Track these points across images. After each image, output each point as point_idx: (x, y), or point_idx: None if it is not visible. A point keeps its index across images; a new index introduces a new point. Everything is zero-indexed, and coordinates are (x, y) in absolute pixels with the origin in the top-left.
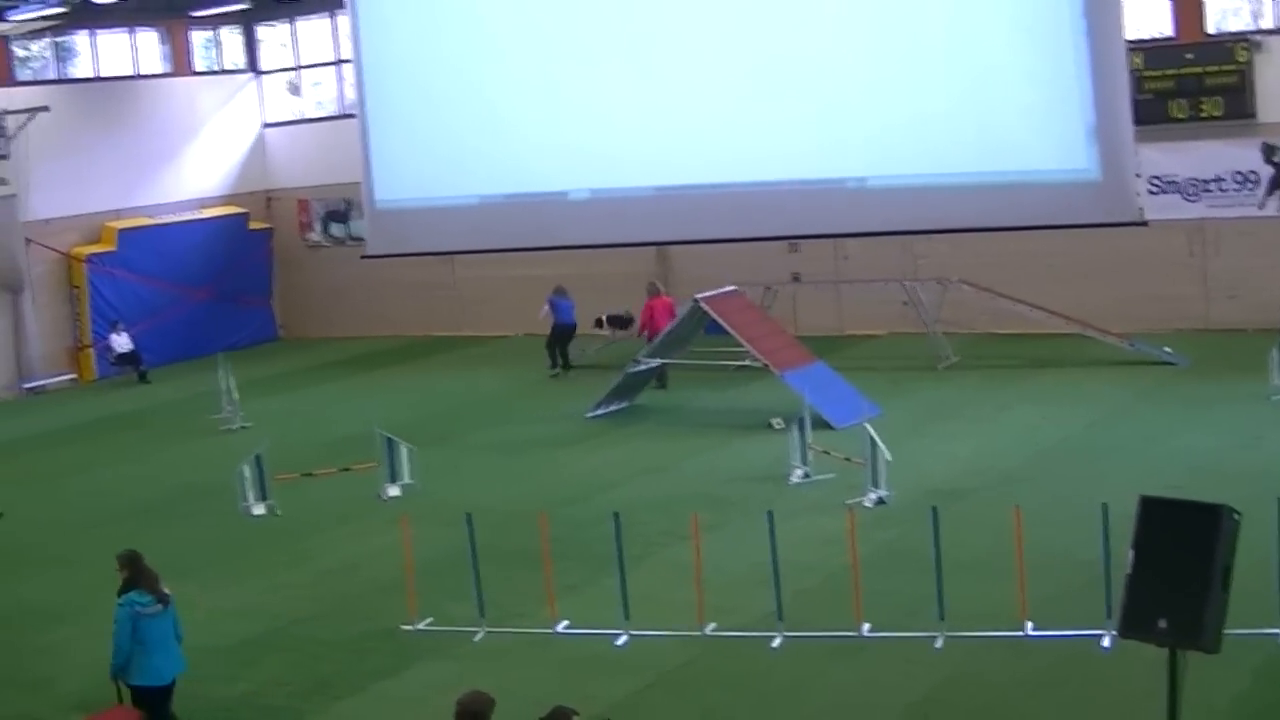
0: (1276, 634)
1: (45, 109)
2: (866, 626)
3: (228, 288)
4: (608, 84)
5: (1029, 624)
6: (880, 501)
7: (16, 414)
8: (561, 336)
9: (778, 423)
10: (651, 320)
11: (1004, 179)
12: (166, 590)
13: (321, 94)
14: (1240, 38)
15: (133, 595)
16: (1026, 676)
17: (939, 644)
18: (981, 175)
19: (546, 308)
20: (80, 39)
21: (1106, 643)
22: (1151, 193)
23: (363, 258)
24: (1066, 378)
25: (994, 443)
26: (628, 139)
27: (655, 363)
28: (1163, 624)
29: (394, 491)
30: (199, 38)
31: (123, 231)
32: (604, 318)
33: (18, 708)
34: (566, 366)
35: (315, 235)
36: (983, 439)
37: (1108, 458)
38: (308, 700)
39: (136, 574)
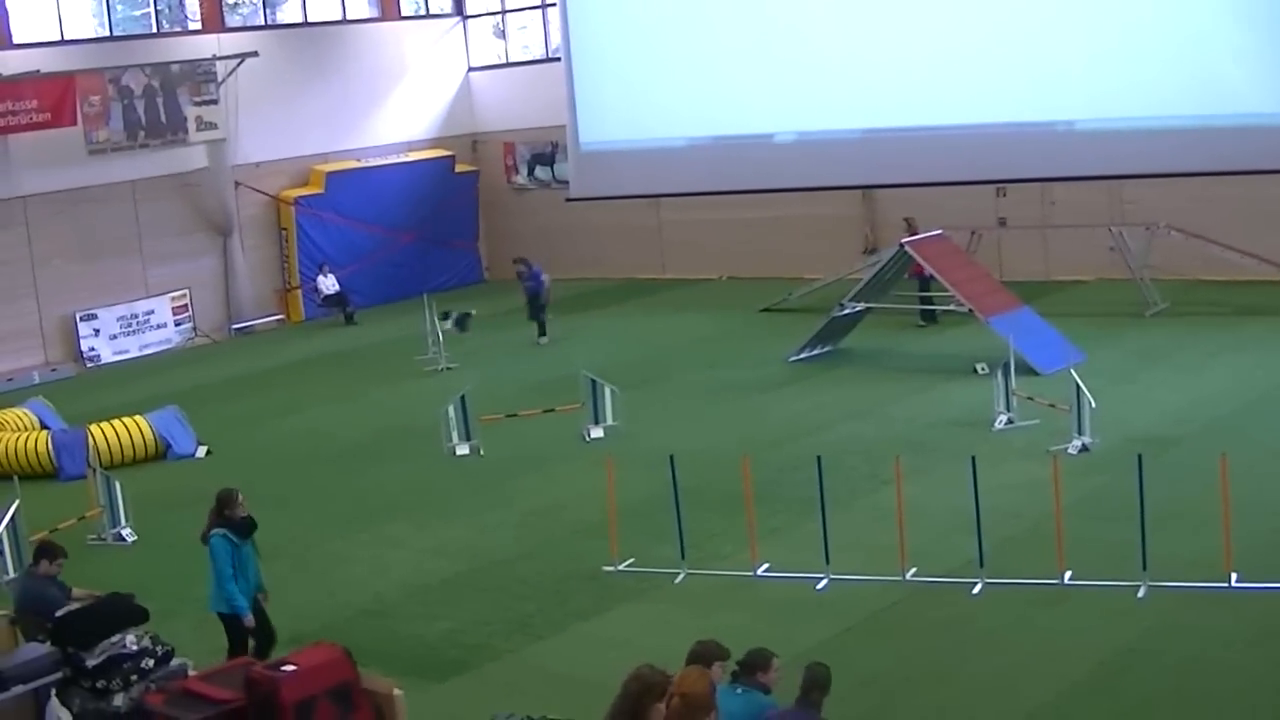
0: None
1: (254, 54)
2: (1068, 575)
3: (434, 230)
4: (815, 26)
5: (1234, 575)
6: (1084, 449)
7: (226, 354)
8: (536, 305)
9: (982, 368)
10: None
11: (1215, 123)
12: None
13: (527, 37)
14: None
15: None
16: (1231, 628)
17: (1142, 594)
18: (1192, 119)
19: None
20: None
21: None
22: None
23: (567, 200)
24: (1277, 326)
25: (1201, 391)
26: (835, 81)
27: (860, 306)
28: None
29: (597, 433)
30: None
31: (330, 175)
32: (450, 314)
33: (226, 641)
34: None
35: (520, 178)
36: (1190, 387)
37: None
38: (508, 639)
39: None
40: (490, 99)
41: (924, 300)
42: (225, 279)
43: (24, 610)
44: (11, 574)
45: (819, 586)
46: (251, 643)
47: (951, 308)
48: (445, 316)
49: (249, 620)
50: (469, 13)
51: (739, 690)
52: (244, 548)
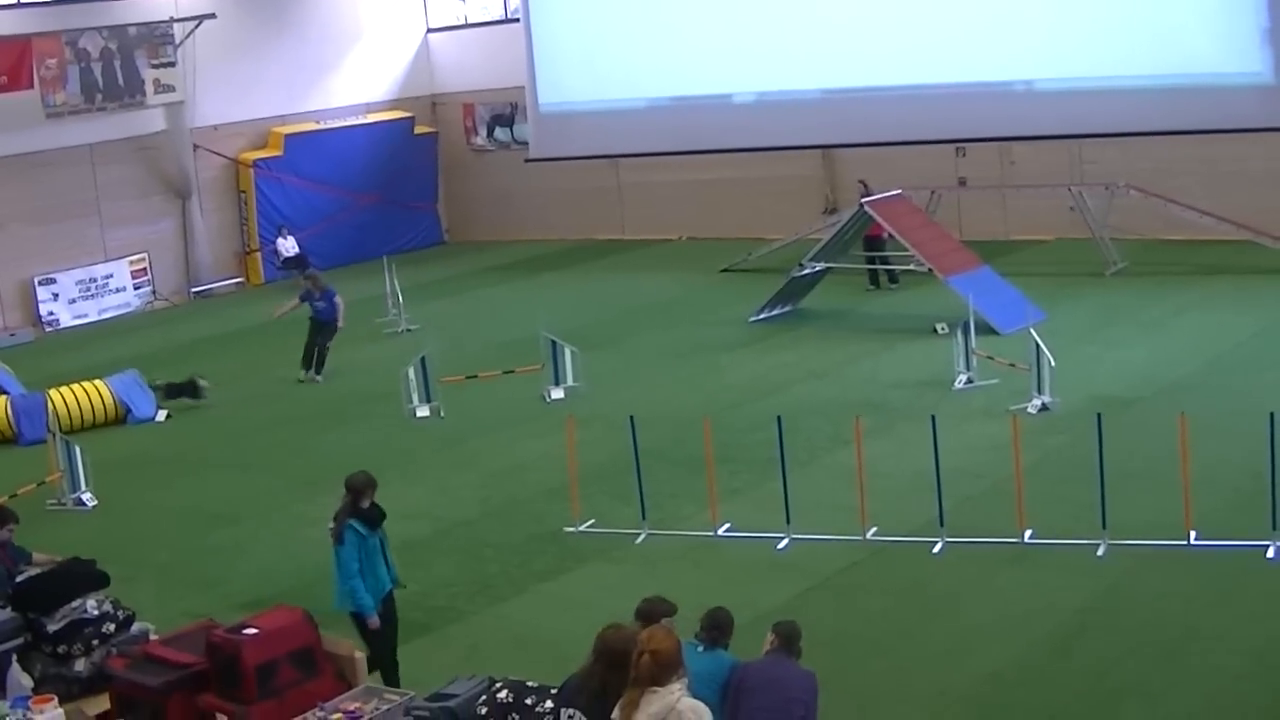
0: None
1: (212, 16)
2: (1029, 533)
3: (394, 192)
4: None
5: (1193, 534)
6: (1044, 408)
7: (186, 318)
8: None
9: (942, 328)
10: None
11: (1175, 82)
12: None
13: None
14: None
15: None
16: (1189, 587)
17: (1101, 552)
18: (1152, 79)
19: (295, 302)
20: None
21: (1271, 554)
22: None
23: (527, 161)
24: (1236, 285)
25: (1162, 351)
26: (794, 41)
27: (819, 266)
28: None
29: (558, 394)
30: None
31: (289, 136)
32: (164, 385)
33: (188, 604)
34: (319, 369)
35: (480, 139)
36: (1150, 347)
37: (1278, 367)
38: (471, 601)
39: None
40: (449, 60)
41: (871, 262)
42: (184, 242)
43: None
44: None
45: (780, 546)
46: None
47: (911, 267)
48: (166, 391)
49: (373, 622)
50: None
51: (700, 649)
52: (371, 540)
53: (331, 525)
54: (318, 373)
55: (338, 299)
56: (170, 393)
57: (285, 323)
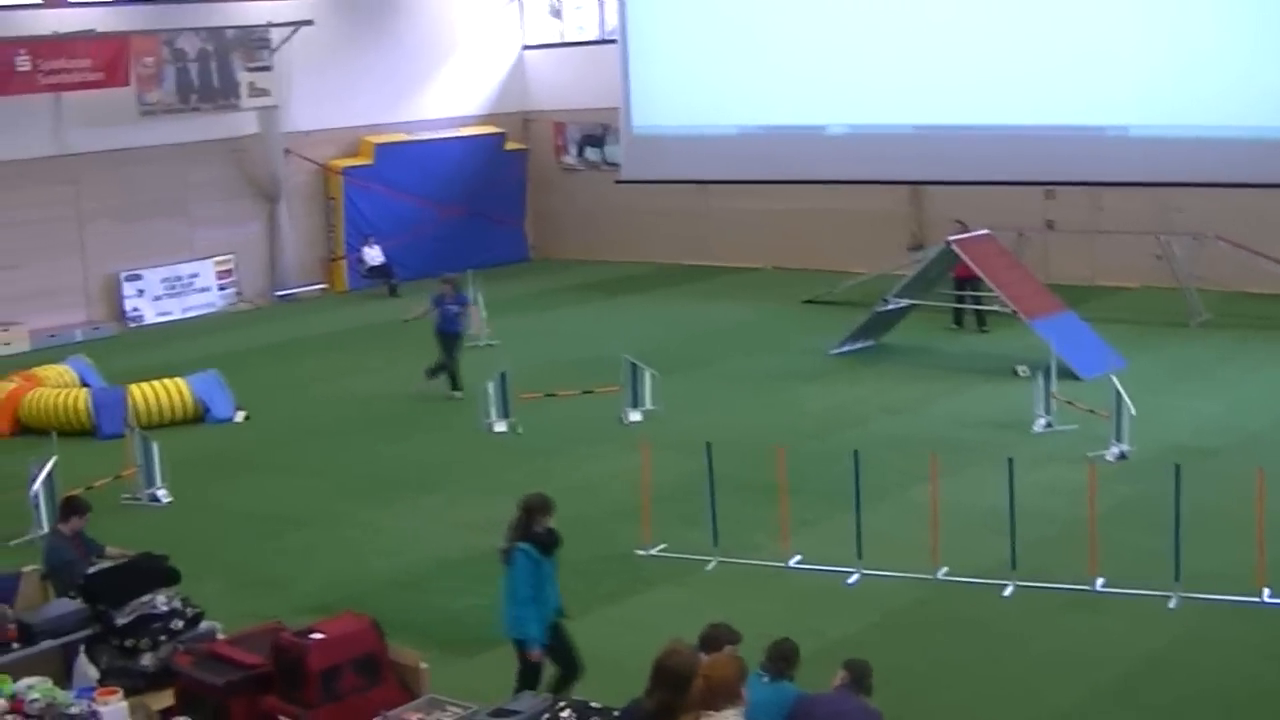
0: None
1: (309, 23)
2: (1100, 581)
3: (481, 207)
4: (873, 20)
5: (1267, 590)
6: (1122, 456)
7: (268, 320)
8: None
9: (1023, 370)
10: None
11: (1269, 134)
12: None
13: (583, 18)
14: None
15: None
16: (1260, 642)
17: (1173, 603)
18: (1246, 129)
19: (428, 306)
20: None
21: None
22: None
23: (617, 182)
24: None
25: (1242, 403)
26: (889, 76)
27: (903, 302)
28: None
29: (635, 417)
30: None
31: (380, 146)
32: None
33: (255, 605)
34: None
35: (570, 158)
36: (1231, 399)
37: None
38: None
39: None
40: (543, 78)
41: (960, 300)
42: (271, 245)
43: (50, 568)
44: (45, 530)
45: (850, 580)
46: (553, 669)
47: (995, 308)
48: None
49: (536, 654)
50: None
51: (765, 679)
52: (545, 565)
53: (502, 546)
54: (455, 388)
55: (472, 305)
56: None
57: (368, 330)
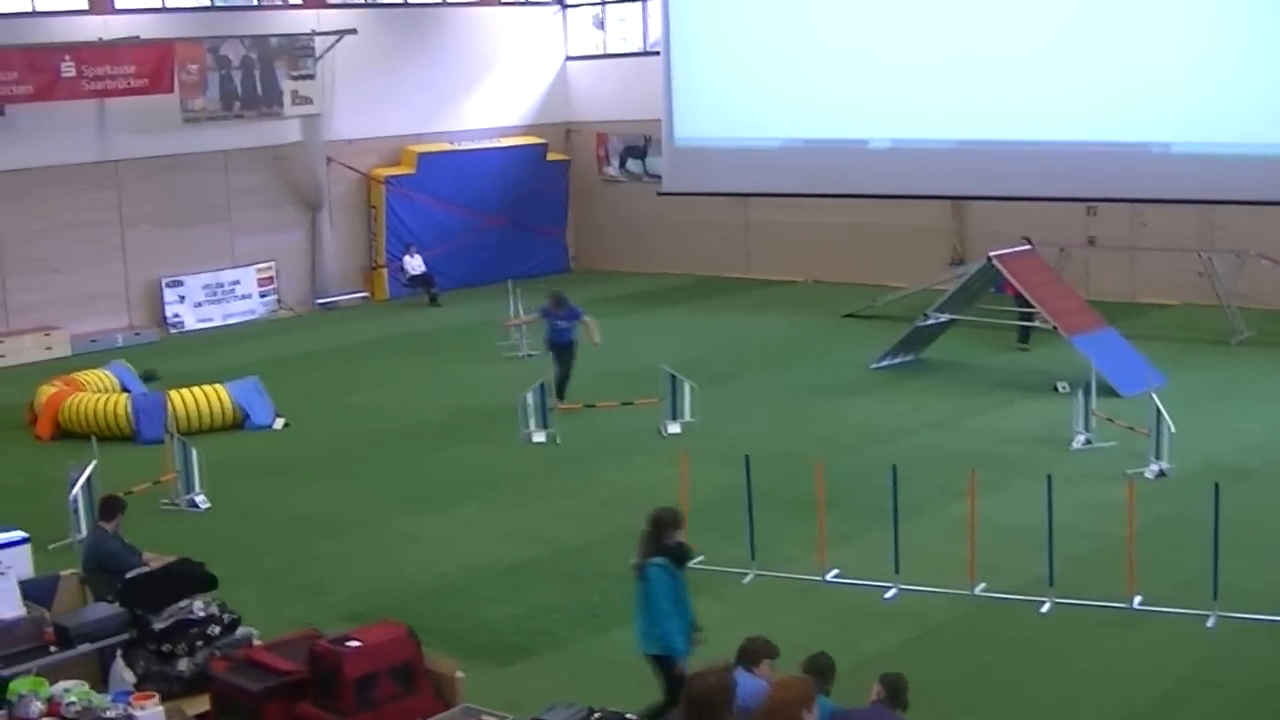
0: None
1: (353, 32)
2: (1138, 599)
3: (522, 217)
4: (916, 34)
5: None
6: (1161, 474)
7: (309, 328)
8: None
9: (1063, 386)
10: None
11: None
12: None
13: (626, 30)
14: None
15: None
16: None
17: (1211, 623)
18: None
19: (535, 315)
20: None
21: None
22: None
23: (659, 194)
24: None
25: None
26: (932, 90)
27: (944, 317)
28: None
29: (674, 428)
30: None
31: (422, 155)
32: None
33: (292, 611)
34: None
35: (612, 170)
36: (1272, 418)
37: None
38: (573, 629)
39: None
40: (586, 89)
41: (1023, 319)
42: (312, 253)
43: (91, 567)
44: (84, 534)
45: (887, 595)
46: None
47: (1036, 324)
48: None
49: (681, 668)
50: (569, 2)
51: None
52: (680, 578)
53: (634, 563)
54: (560, 397)
55: (586, 318)
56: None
57: (408, 339)
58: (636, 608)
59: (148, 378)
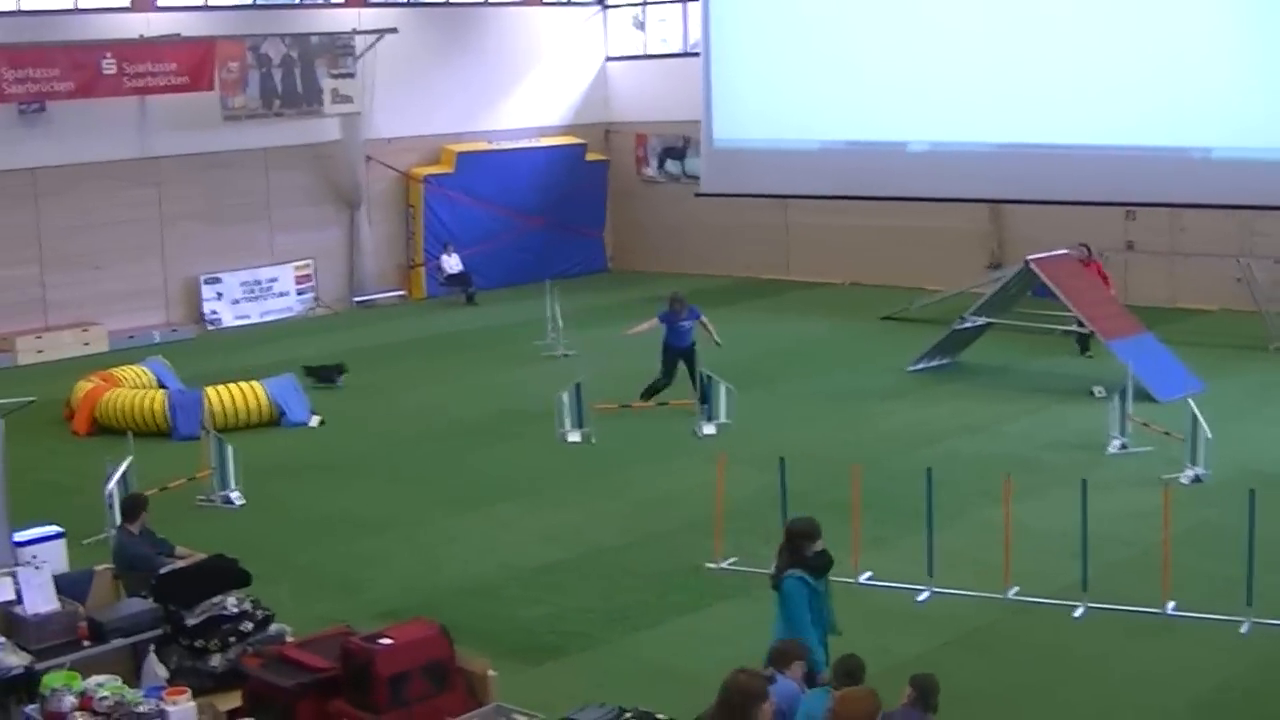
0: None
1: (394, 30)
2: (1172, 605)
3: (561, 217)
4: (955, 37)
5: None
6: (1197, 479)
7: (347, 326)
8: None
9: (1099, 391)
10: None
11: None
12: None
13: (666, 31)
14: None
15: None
16: None
17: (1245, 629)
18: None
19: (653, 322)
20: None
21: None
22: None
23: (697, 195)
24: None
25: None
26: (972, 94)
27: (981, 321)
28: None
29: (710, 430)
30: None
31: (461, 154)
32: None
33: (325, 609)
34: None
35: (651, 170)
36: None
37: None
38: (606, 629)
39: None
40: (625, 90)
41: (1081, 325)
42: (350, 251)
43: (122, 567)
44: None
45: (920, 599)
46: None
47: (1074, 329)
48: (312, 372)
49: (823, 677)
50: (610, 2)
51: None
52: (818, 589)
53: (772, 573)
54: (648, 395)
55: (703, 318)
56: (314, 374)
57: (445, 338)
58: (775, 620)
59: (339, 370)
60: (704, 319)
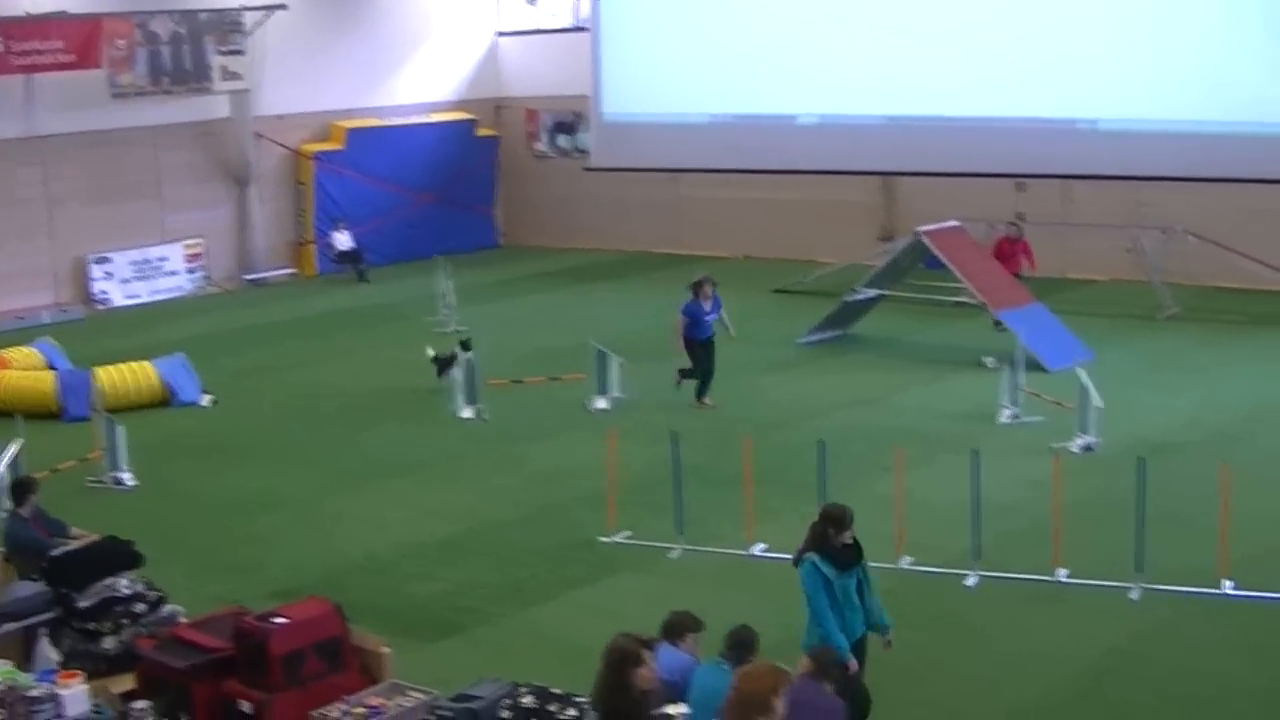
0: None
1: (283, 7)
2: (1064, 572)
3: (452, 193)
4: (845, 10)
5: (1228, 583)
6: (1088, 448)
7: (237, 305)
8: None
9: (990, 362)
10: (1007, 264)
11: (1239, 129)
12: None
13: (556, 6)
14: None
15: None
16: (1222, 636)
17: (1135, 595)
18: (1216, 124)
19: (682, 320)
20: None
21: None
22: None
23: (586, 169)
24: None
25: (1209, 398)
26: (861, 66)
27: (872, 293)
28: None
29: (602, 404)
30: None
31: (352, 131)
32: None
33: (219, 589)
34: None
35: (542, 146)
36: (1198, 393)
37: None
38: (501, 604)
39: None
40: (516, 65)
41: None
42: (240, 229)
43: (11, 551)
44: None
45: None
46: None
47: (964, 300)
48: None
49: (853, 665)
50: None
51: (726, 667)
52: (840, 582)
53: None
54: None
55: (724, 314)
56: (442, 365)
57: (336, 316)
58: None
59: (464, 347)
60: (725, 314)
